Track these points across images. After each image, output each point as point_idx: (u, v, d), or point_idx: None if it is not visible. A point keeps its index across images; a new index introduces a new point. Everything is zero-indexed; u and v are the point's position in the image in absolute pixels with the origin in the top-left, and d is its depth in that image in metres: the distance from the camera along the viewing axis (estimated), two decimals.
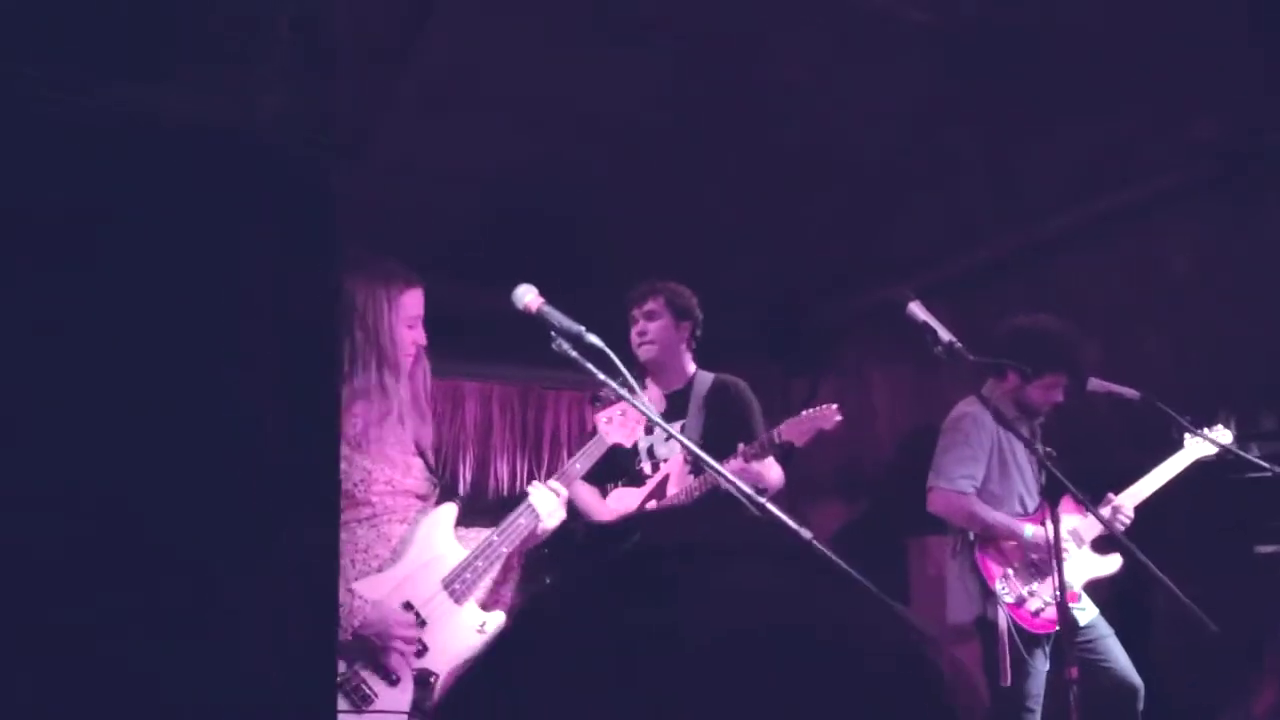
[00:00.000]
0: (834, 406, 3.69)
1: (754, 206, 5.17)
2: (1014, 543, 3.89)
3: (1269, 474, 3.63)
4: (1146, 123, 4.40)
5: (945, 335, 3.04)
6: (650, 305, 4.06)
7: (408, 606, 2.68)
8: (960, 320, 3.82)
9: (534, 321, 2.80)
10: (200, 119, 1.38)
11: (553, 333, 2.72)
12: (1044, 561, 3.81)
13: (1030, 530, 3.86)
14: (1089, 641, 3.84)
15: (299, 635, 1.46)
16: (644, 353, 4.04)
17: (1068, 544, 3.85)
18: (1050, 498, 2.97)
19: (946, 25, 4.17)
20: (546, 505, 2.93)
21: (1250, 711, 1.17)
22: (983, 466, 3.95)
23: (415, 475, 2.85)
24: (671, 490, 3.84)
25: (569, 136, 4.74)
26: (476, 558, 2.84)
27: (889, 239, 5.37)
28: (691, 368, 4.14)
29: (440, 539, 2.82)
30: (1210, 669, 4.76)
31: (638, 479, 3.99)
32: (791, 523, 2.48)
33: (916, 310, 3.12)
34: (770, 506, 2.53)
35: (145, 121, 1.32)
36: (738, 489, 2.61)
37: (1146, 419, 4.02)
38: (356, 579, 2.66)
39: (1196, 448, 4.01)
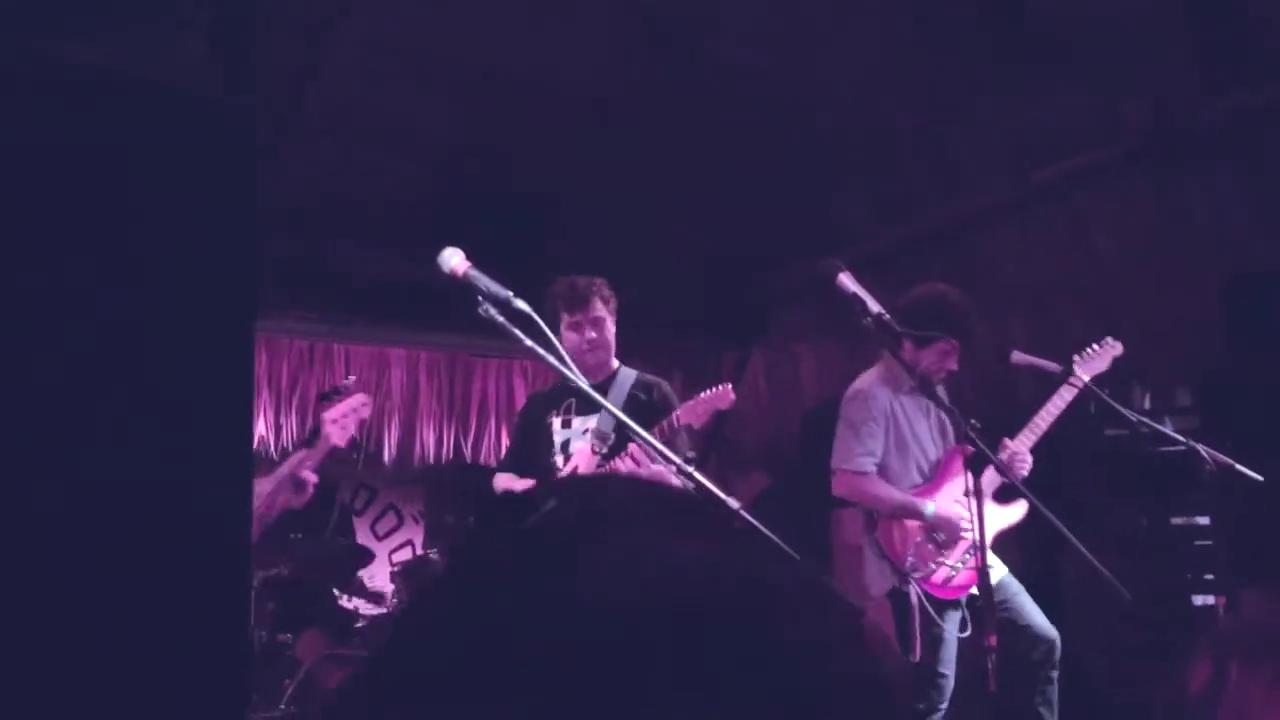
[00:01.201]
0: (729, 386, 3.64)
1: (687, 179, 5.15)
2: (915, 520, 3.93)
3: (1183, 448, 3.70)
4: (1073, 101, 4.46)
5: (874, 307, 3.05)
6: (597, 311, 3.89)
7: None
8: (890, 295, 3.86)
9: (462, 288, 2.75)
10: (116, 67, 1.32)
11: (479, 297, 2.67)
12: (951, 539, 3.89)
13: (931, 508, 3.90)
14: (1002, 601, 3.89)
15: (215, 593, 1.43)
16: (596, 358, 3.88)
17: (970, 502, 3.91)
18: (974, 469, 3.00)
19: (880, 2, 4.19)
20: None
21: (1186, 688, 1.21)
22: (880, 442, 3.97)
23: None
24: None
25: (506, 106, 4.68)
26: None
27: (820, 213, 5.39)
28: (615, 362, 4.00)
29: None
30: (1123, 636, 4.89)
31: (550, 466, 3.88)
32: (719, 492, 2.49)
33: (846, 281, 3.12)
34: (698, 476, 2.53)
35: (57, 70, 1.27)
36: (667, 458, 2.61)
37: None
38: None
39: (1079, 380, 3.99)
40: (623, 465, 3.62)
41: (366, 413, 3.36)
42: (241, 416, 1.55)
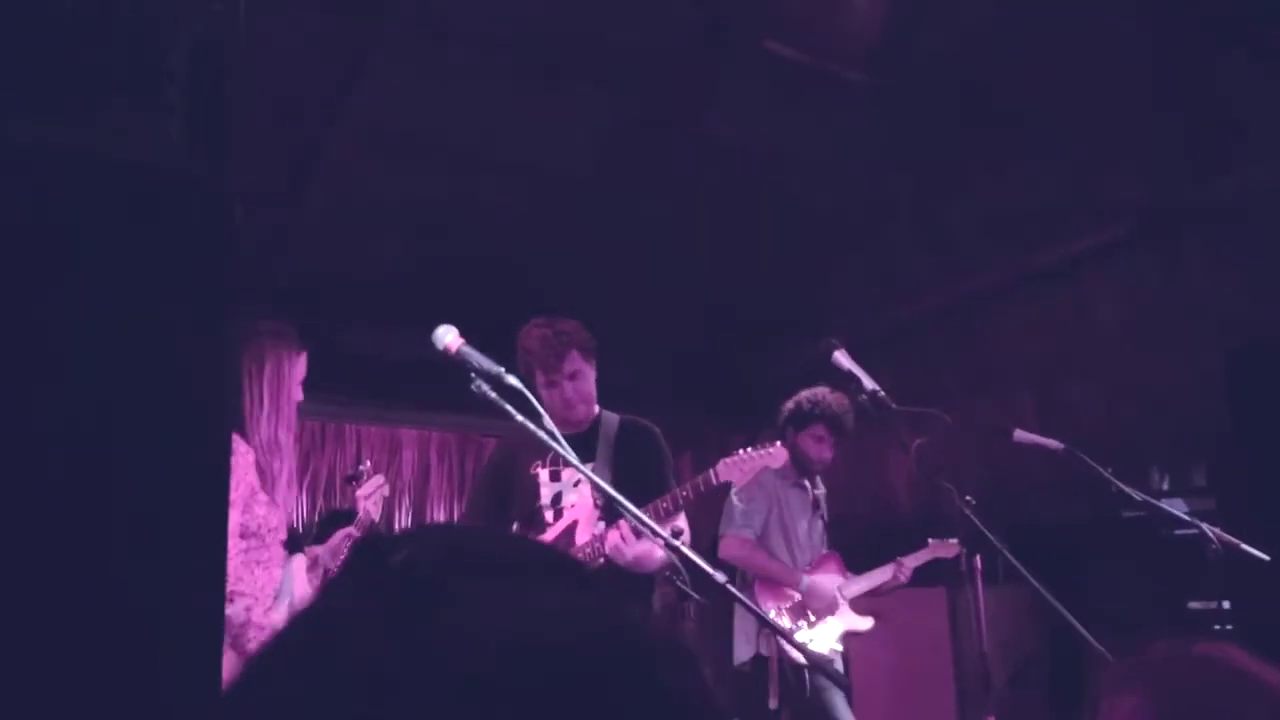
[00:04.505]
0: (779, 444, 3.35)
1: (692, 261, 5.20)
2: (789, 589, 4.28)
3: (1194, 530, 3.64)
4: (1073, 180, 4.49)
5: (869, 384, 3.06)
6: (571, 365, 3.56)
7: None
8: (897, 372, 3.87)
9: (455, 364, 2.77)
10: (91, 147, 1.36)
11: (472, 374, 2.69)
12: (819, 611, 4.28)
13: (806, 581, 4.29)
14: (823, 690, 4.09)
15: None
16: (578, 414, 3.59)
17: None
18: (969, 547, 2.98)
19: (881, 86, 4.26)
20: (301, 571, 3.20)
21: None
22: (761, 520, 4.36)
23: (283, 522, 3.02)
24: (581, 538, 3.48)
25: (509, 186, 4.76)
26: None
27: (827, 293, 5.42)
28: (596, 407, 3.68)
29: (300, 581, 3.09)
30: None
31: (536, 519, 3.60)
32: (707, 566, 2.47)
33: (841, 359, 3.14)
34: (686, 550, 2.51)
35: (30, 150, 1.31)
36: (655, 532, 2.59)
37: (1074, 470, 4.05)
38: (265, 613, 2.81)
39: (935, 550, 4.45)
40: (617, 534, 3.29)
41: (386, 491, 3.70)
42: (214, 508, 1.56)
